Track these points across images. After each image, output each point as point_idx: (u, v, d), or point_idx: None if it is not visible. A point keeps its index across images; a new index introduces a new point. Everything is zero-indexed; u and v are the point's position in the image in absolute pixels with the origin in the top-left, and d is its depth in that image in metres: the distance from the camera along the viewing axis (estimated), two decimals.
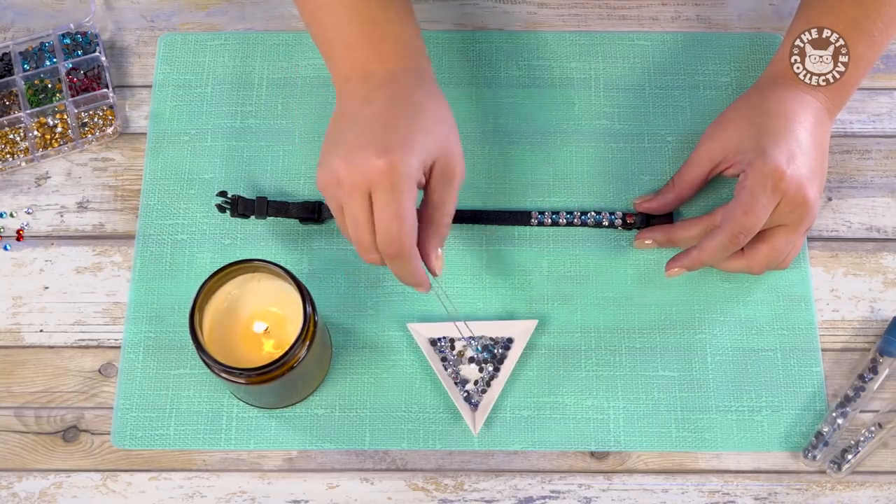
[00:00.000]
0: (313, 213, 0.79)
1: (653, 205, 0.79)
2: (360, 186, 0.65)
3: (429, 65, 0.73)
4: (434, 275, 0.69)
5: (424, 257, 0.68)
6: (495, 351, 0.76)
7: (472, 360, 0.76)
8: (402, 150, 0.64)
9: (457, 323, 0.75)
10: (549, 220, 0.79)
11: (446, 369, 0.76)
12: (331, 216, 0.80)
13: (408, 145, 0.65)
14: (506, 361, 0.76)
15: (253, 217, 0.80)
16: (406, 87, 0.69)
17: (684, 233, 0.77)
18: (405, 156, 0.64)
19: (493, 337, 0.76)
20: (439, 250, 0.69)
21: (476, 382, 0.75)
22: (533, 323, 0.76)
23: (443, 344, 0.76)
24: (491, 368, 0.76)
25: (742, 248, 0.74)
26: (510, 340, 0.77)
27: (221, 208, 0.79)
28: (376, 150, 0.64)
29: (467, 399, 0.75)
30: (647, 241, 0.78)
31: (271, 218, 0.80)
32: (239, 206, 0.79)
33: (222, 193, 0.79)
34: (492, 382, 0.75)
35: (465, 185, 0.81)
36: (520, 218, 0.80)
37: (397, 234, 0.65)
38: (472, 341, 0.76)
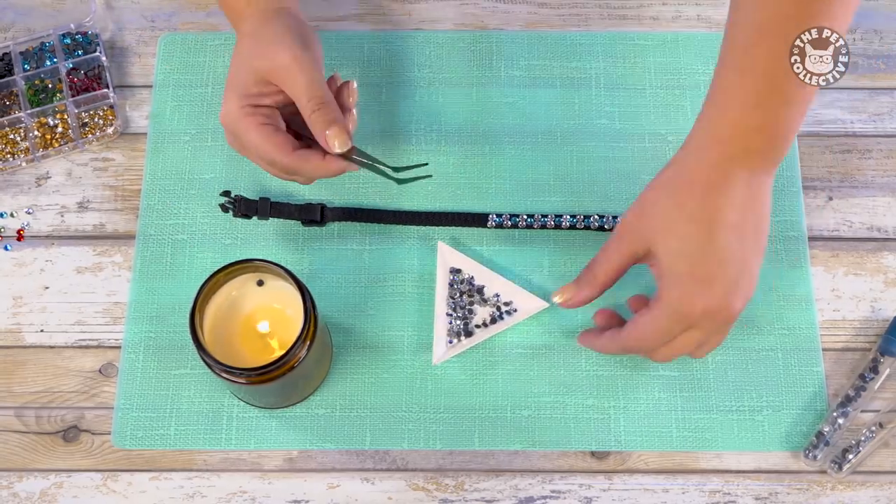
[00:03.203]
0: (315, 215, 0.79)
1: (575, 301, 0.72)
2: (229, 142, 0.74)
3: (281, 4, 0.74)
4: (333, 151, 0.70)
5: (312, 155, 0.71)
6: (495, 310, 0.77)
7: (468, 304, 0.77)
8: (225, 101, 0.72)
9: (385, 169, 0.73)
10: (509, 223, 0.79)
11: (448, 297, 0.77)
12: (333, 219, 0.80)
13: (228, 92, 0.72)
14: (497, 324, 0.76)
15: (255, 217, 0.80)
16: (240, 39, 0.73)
17: (601, 346, 0.73)
18: (226, 104, 0.72)
19: (500, 296, 0.77)
20: (329, 134, 0.69)
21: (465, 324, 0.76)
22: (543, 304, 0.77)
23: (460, 277, 0.78)
24: (483, 321, 0.77)
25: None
26: (509, 303, 0.77)
27: (224, 208, 0.79)
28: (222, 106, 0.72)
29: (448, 332, 0.76)
30: (580, 342, 0.75)
31: (272, 218, 0.80)
32: (242, 207, 0.79)
33: (226, 193, 0.79)
34: (476, 331, 0.76)
35: (465, 185, 0.81)
36: (476, 220, 0.80)
37: (266, 165, 0.73)
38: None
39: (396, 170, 0.73)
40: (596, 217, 0.80)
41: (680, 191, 0.67)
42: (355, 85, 0.73)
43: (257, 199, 0.80)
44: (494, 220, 0.80)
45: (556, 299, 0.72)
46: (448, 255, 0.78)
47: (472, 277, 0.78)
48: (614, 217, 0.80)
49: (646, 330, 0.68)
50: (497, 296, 0.78)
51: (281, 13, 0.73)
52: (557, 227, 0.80)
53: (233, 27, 0.75)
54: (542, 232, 0.80)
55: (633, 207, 0.69)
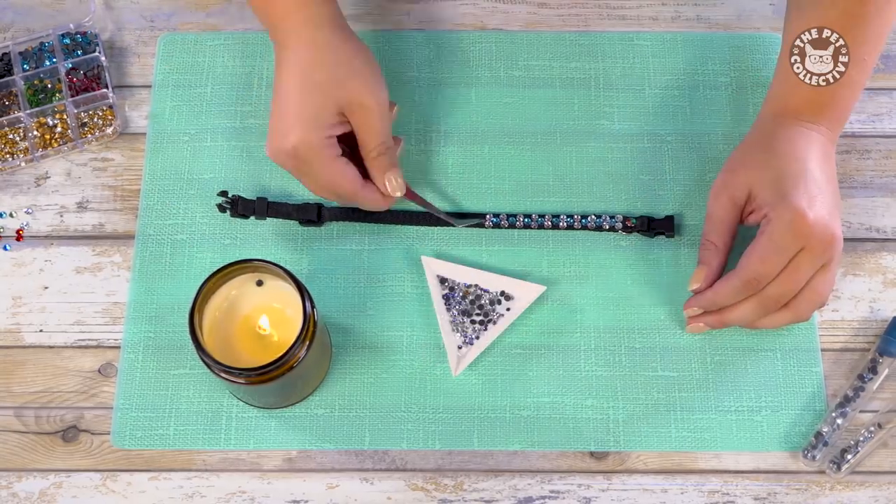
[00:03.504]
0: (313, 215, 0.79)
1: (711, 274, 0.74)
2: (286, 166, 0.74)
3: (327, 5, 0.74)
4: (393, 196, 0.76)
5: (377, 186, 0.76)
6: (496, 306, 0.77)
7: (469, 309, 0.77)
8: (298, 129, 0.71)
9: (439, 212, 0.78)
10: (506, 223, 0.80)
11: (448, 310, 0.77)
12: (331, 219, 0.80)
13: (299, 118, 0.71)
14: (503, 318, 0.77)
15: (253, 217, 0.80)
16: (296, 51, 0.73)
17: (722, 293, 0.74)
18: (301, 133, 0.71)
19: (496, 292, 0.77)
20: (390, 177, 0.75)
21: (472, 328, 0.77)
22: (540, 288, 0.77)
23: (450, 284, 0.78)
24: (487, 320, 0.77)
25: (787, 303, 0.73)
26: (510, 298, 0.77)
27: (222, 208, 0.79)
28: (279, 137, 0.72)
29: (458, 346, 0.76)
30: (693, 309, 0.75)
31: (271, 218, 0.80)
32: (239, 207, 0.79)
33: (223, 193, 0.79)
34: (483, 333, 0.76)
35: (465, 185, 0.81)
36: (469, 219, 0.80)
37: (328, 194, 0.75)
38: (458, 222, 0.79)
39: (450, 214, 0.79)
40: (594, 217, 0.80)
41: (767, 142, 0.74)
42: (403, 141, 0.79)
43: (255, 199, 0.80)
44: (492, 221, 0.80)
45: (694, 286, 0.75)
46: (434, 266, 0.78)
47: (464, 283, 0.78)
48: (612, 217, 0.80)
49: (766, 250, 0.71)
50: (492, 292, 0.78)
51: (340, 30, 0.73)
52: (555, 227, 0.80)
53: (268, 28, 0.75)
54: (540, 232, 0.80)
55: (723, 169, 0.76)
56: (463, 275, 0.78)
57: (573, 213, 0.80)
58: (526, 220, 0.80)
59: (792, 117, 0.75)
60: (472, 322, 0.77)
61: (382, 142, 0.74)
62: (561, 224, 0.80)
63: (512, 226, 0.80)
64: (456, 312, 0.77)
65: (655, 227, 0.80)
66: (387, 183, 0.75)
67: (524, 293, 0.77)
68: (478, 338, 0.76)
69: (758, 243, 0.71)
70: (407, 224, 0.80)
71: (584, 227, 0.80)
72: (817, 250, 0.71)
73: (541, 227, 0.80)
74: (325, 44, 0.73)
